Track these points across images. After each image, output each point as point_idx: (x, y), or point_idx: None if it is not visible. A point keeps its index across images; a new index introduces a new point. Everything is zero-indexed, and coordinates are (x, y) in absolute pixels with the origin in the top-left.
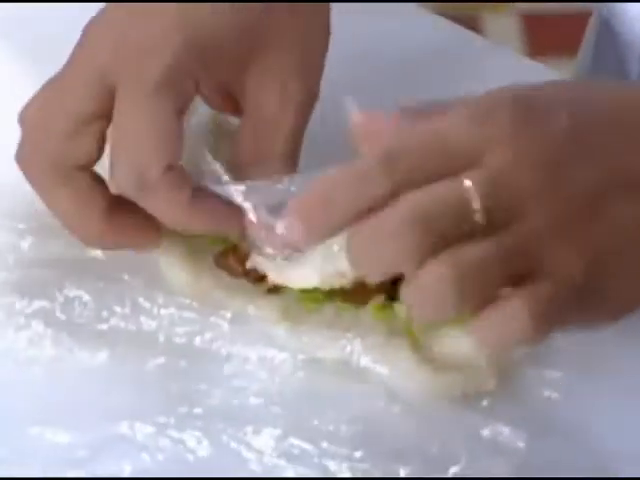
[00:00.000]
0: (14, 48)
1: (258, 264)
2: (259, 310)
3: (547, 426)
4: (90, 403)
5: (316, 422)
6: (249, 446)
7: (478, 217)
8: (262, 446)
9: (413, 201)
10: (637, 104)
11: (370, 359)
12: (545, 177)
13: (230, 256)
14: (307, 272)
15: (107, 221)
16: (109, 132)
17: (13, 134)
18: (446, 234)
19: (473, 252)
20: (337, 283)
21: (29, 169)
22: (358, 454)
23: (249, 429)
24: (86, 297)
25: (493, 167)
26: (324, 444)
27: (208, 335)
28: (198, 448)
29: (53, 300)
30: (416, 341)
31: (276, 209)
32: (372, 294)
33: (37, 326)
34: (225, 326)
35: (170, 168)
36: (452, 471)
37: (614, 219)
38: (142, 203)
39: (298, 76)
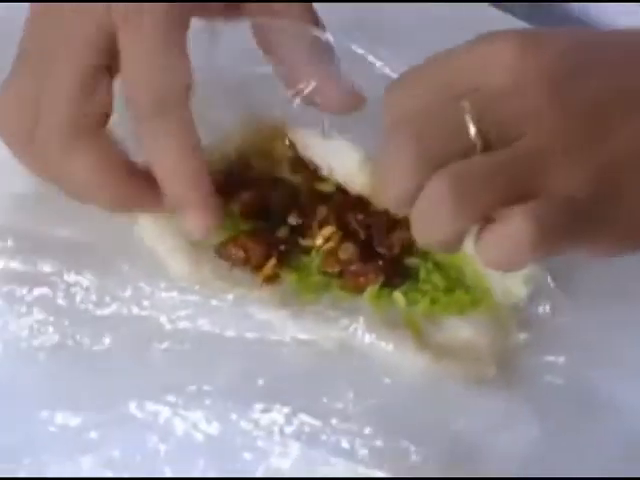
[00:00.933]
0: None
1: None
2: (259, 298)
3: (550, 410)
4: (97, 386)
5: (324, 400)
6: (257, 424)
7: (474, 138)
8: (271, 424)
9: (411, 122)
10: None
11: (374, 337)
12: (549, 94)
13: (231, 245)
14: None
15: (132, 178)
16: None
17: None
18: (444, 155)
19: (471, 164)
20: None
21: (31, 143)
22: (368, 430)
23: (258, 407)
24: (87, 283)
25: (495, 87)
26: (334, 421)
27: (211, 318)
28: (208, 427)
29: (54, 287)
30: (416, 329)
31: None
32: (368, 282)
33: (39, 314)
34: (227, 310)
35: (188, 88)
36: (461, 449)
37: (624, 139)
38: (160, 128)
39: None
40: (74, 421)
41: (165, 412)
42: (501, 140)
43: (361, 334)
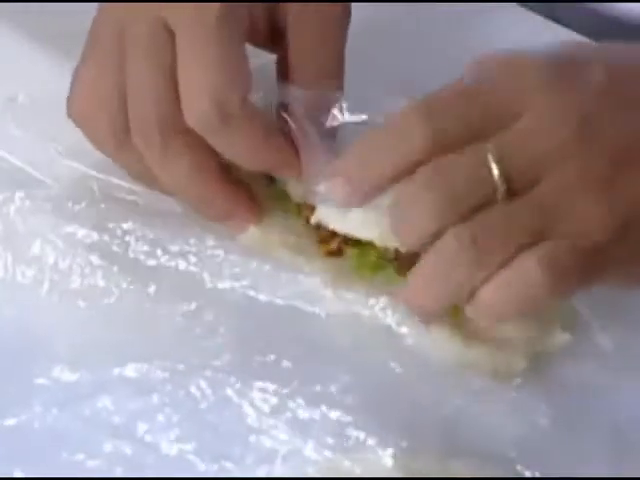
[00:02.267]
0: None
1: (322, 217)
2: (312, 271)
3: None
4: (111, 343)
5: (327, 386)
6: (251, 403)
7: (498, 183)
8: (264, 404)
9: (434, 168)
10: None
11: (403, 324)
12: (576, 131)
13: None
14: (369, 225)
15: (223, 180)
16: None
17: None
18: (467, 200)
19: (492, 216)
20: (393, 243)
21: (125, 146)
22: (360, 422)
23: (257, 385)
24: (144, 233)
25: (520, 127)
26: (323, 408)
27: (252, 282)
28: (200, 398)
29: (112, 234)
30: (457, 315)
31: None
32: None
33: (92, 258)
34: (270, 275)
35: (246, 98)
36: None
37: None
38: (220, 139)
39: None
40: (69, 377)
41: (162, 378)
42: (525, 180)
43: (391, 317)
